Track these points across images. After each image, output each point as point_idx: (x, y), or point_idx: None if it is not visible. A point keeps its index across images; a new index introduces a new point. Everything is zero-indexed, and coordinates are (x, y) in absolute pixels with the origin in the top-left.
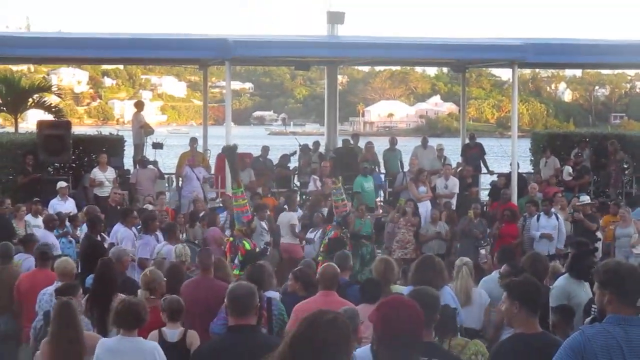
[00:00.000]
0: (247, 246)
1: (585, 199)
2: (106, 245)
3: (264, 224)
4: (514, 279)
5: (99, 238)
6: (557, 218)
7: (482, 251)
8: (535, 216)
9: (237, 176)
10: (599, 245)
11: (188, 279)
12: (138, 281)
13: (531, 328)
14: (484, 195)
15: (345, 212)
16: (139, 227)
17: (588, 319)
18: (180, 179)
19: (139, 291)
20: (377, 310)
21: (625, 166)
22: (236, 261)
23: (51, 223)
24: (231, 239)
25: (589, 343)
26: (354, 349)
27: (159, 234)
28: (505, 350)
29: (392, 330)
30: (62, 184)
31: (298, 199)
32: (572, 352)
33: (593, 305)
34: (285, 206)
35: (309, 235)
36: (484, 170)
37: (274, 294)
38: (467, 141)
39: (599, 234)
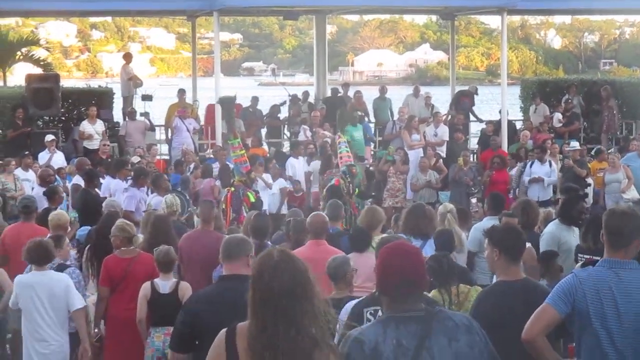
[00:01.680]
0: (252, 198)
1: (575, 145)
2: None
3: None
4: (495, 226)
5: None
6: (551, 164)
7: (473, 200)
8: (529, 163)
9: (233, 127)
10: (590, 191)
11: (187, 232)
12: None
13: (512, 275)
14: (473, 144)
15: (349, 162)
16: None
17: (578, 265)
18: (170, 130)
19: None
20: (379, 256)
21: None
22: (243, 212)
23: (48, 178)
24: (232, 189)
25: (580, 285)
26: (318, 295)
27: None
28: (487, 298)
29: (393, 276)
30: (49, 137)
31: (290, 150)
32: (563, 294)
33: (579, 255)
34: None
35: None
36: (472, 118)
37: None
38: (459, 89)
39: (589, 180)
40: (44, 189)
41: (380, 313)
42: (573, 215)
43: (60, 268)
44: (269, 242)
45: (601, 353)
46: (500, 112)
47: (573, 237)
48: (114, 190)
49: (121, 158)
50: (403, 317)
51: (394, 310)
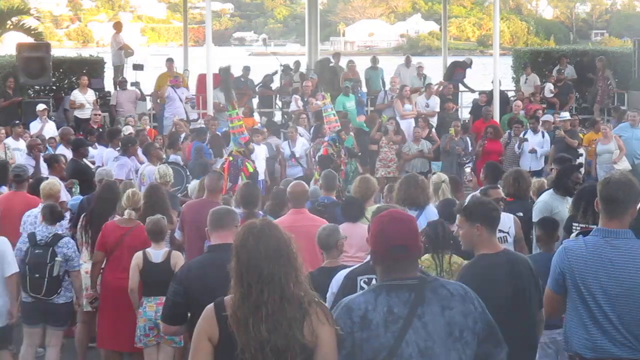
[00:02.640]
0: (250, 168)
1: (565, 115)
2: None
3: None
4: (471, 203)
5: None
6: (544, 135)
7: (467, 169)
8: (522, 133)
9: (231, 97)
10: (582, 161)
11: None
12: None
13: (493, 248)
14: (465, 114)
15: (337, 127)
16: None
17: (574, 234)
18: (158, 100)
19: (126, 211)
20: (373, 223)
21: (610, 83)
22: (240, 182)
23: (35, 148)
24: (230, 158)
25: (566, 257)
26: (301, 263)
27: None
28: (473, 273)
29: (386, 241)
30: (41, 106)
31: (282, 120)
32: (555, 274)
33: (574, 224)
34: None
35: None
36: (463, 88)
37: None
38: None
39: (581, 150)
40: (31, 158)
41: (374, 281)
42: (568, 186)
43: (56, 239)
44: (261, 212)
45: (592, 320)
46: (492, 82)
47: (566, 207)
48: (106, 159)
49: (114, 127)
50: (395, 285)
51: (387, 279)
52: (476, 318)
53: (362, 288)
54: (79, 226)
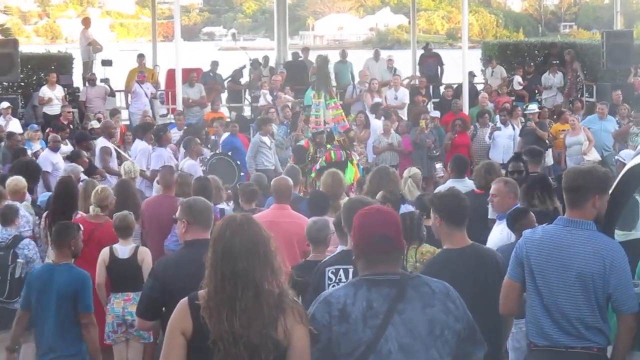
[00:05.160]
0: (333, 156)
1: (533, 107)
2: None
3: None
4: (438, 192)
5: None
6: (514, 128)
7: (438, 165)
8: (491, 125)
9: (330, 87)
10: (550, 153)
11: (148, 198)
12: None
13: (457, 242)
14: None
15: (317, 129)
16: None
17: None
18: (130, 95)
19: (90, 207)
20: (355, 218)
21: (579, 75)
22: (317, 166)
23: (57, 144)
24: (329, 146)
25: (524, 245)
26: (278, 260)
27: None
28: (431, 269)
29: (368, 233)
30: (4, 104)
31: (251, 114)
32: (514, 262)
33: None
34: None
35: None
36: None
37: (226, 207)
38: (421, 52)
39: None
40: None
41: (341, 272)
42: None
43: (16, 240)
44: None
45: (544, 311)
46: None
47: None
48: (140, 151)
49: (146, 122)
50: (376, 280)
51: (368, 273)
52: (457, 317)
53: (329, 278)
54: (42, 226)
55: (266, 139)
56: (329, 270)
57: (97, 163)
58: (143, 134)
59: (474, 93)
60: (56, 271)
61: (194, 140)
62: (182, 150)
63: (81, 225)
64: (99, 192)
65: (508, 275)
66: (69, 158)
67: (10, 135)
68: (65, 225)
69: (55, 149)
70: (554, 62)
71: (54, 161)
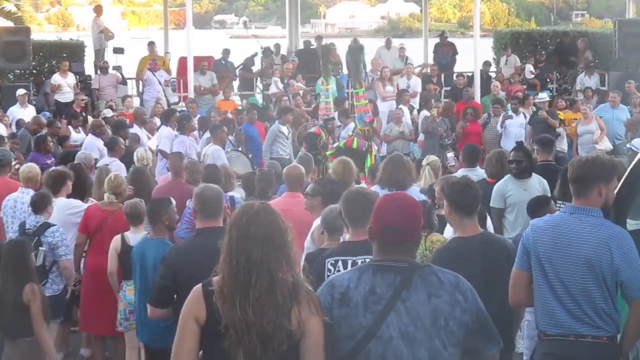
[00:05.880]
0: (355, 143)
1: (543, 96)
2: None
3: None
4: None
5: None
6: (525, 117)
7: (450, 154)
8: (502, 114)
9: (359, 76)
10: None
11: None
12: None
13: (468, 231)
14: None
15: (327, 115)
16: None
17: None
18: (141, 83)
19: (105, 195)
20: (377, 202)
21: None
22: (334, 145)
23: (99, 129)
24: (350, 133)
25: (531, 234)
26: (294, 250)
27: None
28: (440, 256)
29: (381, 220)
30: (21, 91)
31: (263, 102)
32: (521, 252)
33: (558, 202)
34: None
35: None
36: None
37: (236, 194)
38: (432, 40)
39: (559, 130)
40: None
41: (339, 264)
42: (505, 170)
43: (43, 227)
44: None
45: (554, 298)
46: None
47: (522, 189)
48: (164, 137)
49: (171, 108)
50: (382, 266)
51: (376, 259)
52: (465, 309)
53: (328, 270)
54: None
55: (284, 129)
56: (328, 262)
57: None
58: (167, 119)
59: (486, 81)
60: (151, 245)
61: (221, 128)
62: (204, 136)
63: (173, 200)
64: (112, 179)
65: (516, 265)
66: (107, 146)
67: (51, 123)
68: (157, 201)
69: (100, 133)
70: (591, 63)
71: (100, 147)
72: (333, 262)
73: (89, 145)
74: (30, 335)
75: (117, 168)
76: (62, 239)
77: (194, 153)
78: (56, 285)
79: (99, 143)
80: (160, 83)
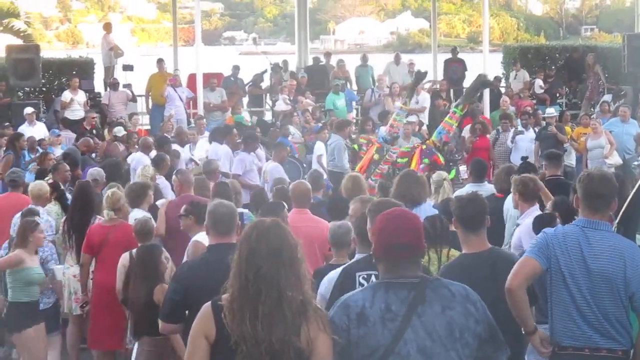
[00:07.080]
0: (441, 159)
1: (551, 111)
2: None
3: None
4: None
5: None
6: (535, 132)
7: (462, 167)
8: (513, 129)
9: (467, 101)
10: (572, 158)
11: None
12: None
13: (475, 247)
14: None
15: (396, 134)
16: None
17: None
18: (162, 96)
19: (104, 211)
20: (377, 221)
21: (600, 78)
22: (422, 166)
23: (150, 146)
24: (424, 146)
25: (550, 242)
26: (303, 267)
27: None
28: (447, 272)
29: (387, 238)
30: (28, 109)
31: (272, 119)
32: (537, 249)
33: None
34: None
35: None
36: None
37: (244, 210)
38: (442, 56)
39: (566, 145)
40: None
41: (373, 277)
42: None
43: None
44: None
45: (575, 308)
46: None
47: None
48: (221, 155)
49: (227, 125)
50: (394, 283)
51: (387, 277)
52: (478, 320)
53: (360, 284)
54: (61, 230)
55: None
56: (359, 276)
57: None
58: (223, 137)
59: (497, 96)
60: None
61: (283, 146)
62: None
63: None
64: (110, 196)
65: (533, 257)
66: (154, 162)
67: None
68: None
69: (149, 150)
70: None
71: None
72: (365, 276)
73: (137, 163)
74: (156, 334)
75: (164, 186)
76: (51, 253)
77: (254, 170)
78: (47, 299)
79: (146, 160)
80: (181, 99)
